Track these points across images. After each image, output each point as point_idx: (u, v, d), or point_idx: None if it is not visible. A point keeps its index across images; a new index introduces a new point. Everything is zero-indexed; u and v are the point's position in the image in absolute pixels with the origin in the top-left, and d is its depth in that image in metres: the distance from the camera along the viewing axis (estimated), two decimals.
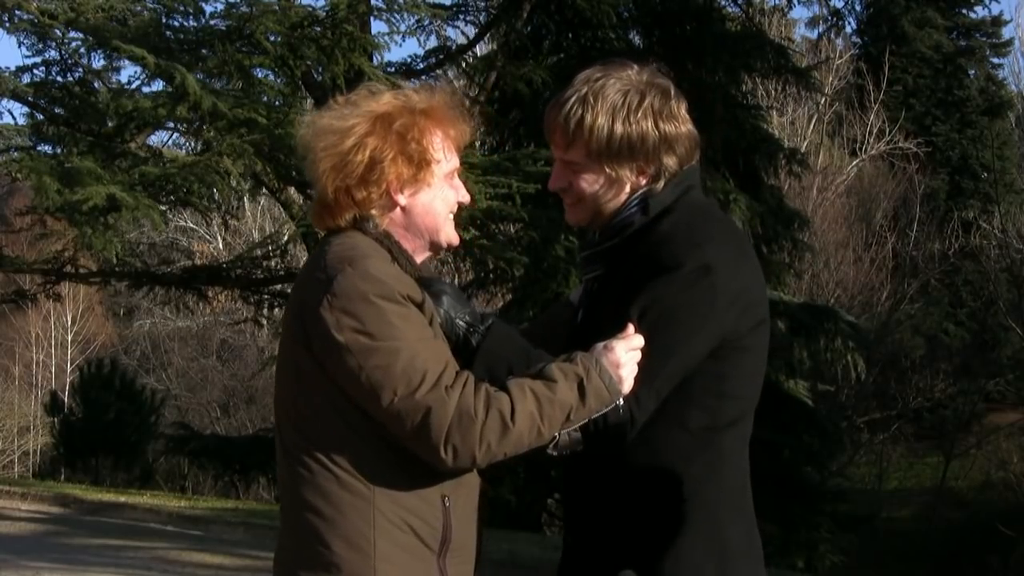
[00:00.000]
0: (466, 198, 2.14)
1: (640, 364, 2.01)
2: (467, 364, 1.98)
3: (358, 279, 1.91)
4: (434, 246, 2.12)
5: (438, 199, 2.08)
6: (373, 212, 2.04)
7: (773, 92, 21.05)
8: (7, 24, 9.23)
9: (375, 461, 1.93)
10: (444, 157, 2.08)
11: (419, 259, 2.10)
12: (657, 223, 2.11)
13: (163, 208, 9.51)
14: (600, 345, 1.99)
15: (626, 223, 2.14)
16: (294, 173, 8.99)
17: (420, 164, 2.03)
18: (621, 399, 1.98)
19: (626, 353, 1.99)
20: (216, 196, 10.01)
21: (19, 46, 9.80)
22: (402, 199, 2.05)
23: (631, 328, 2.01)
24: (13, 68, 9.58)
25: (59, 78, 9.90)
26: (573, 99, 2.09)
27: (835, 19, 12.74)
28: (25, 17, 9.09)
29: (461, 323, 2.01)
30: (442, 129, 2.08)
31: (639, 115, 2.09)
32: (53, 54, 9.77)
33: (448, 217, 2.11)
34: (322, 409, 1.95)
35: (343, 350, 1.89)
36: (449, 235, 2.12)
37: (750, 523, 2.18)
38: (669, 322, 2.02)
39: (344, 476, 1.93)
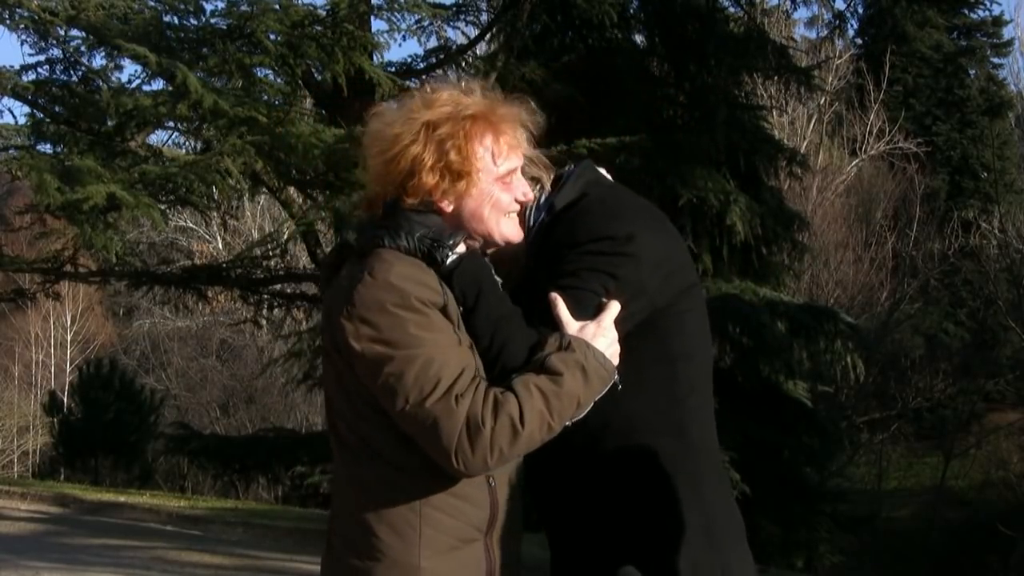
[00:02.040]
0: (527, 196, 2.13)
1: None
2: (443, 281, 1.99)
3: (376, 288, 1.94)
4: (490, 244, 2.12)
5: (486, 205, 2.08)
6: (429, 209, 2.05)
7: (773, 92, 21.01)
8: (8, 21, 9.21)
9: (422, 451, 1.95)
10: (492, 162, 2.07)
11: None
12: (567, 212, 2.15)
13: (163, 207, 9.49)
14: (587, 324, 2.01)
15: (538, 223, 2.18)
16: (294, 172, 8.98)
17: (458, 175, 2.03)
18: (616, 374, 2.01)
19: (610, 327, 2.02)
20: (216, 196, 9.99)
21: (21, 44, 9.77)
22: (446, 205, 2.06)
23: (612, 303, 2.04)
24: (16, 67, 9.56)
25: (61, 77, 9.89)
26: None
27: (837, 21, 12.72)
28: (25, 14, 9.07)
29: (427, 239, 2.00)
30: (494, 132, 2.07)
31: None
32: (55, 52, 9.76)
33: (501, 219, 2.10)
34: (363, 408, 1.99)
35: (361, 358, 1.94)
36: (506, 234, 2.11)
37: (728, 491, 2.21)
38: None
39: (395, 470, 1.98)
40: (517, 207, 2.13)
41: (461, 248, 2.02)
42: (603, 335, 2.02)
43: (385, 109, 2.11)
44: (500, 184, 2.09)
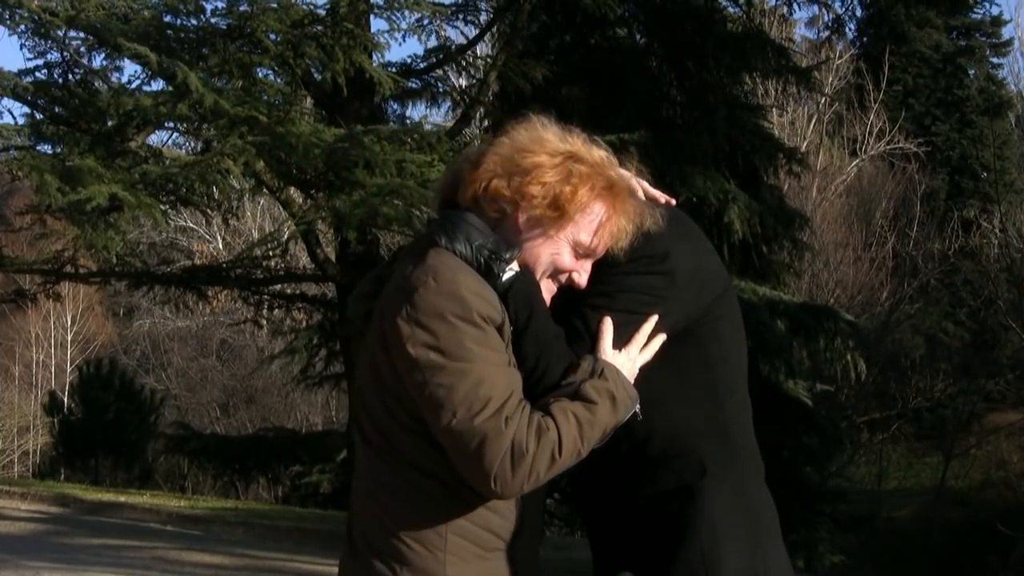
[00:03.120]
0: (579, 283, 2.07)
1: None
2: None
3: (439, 296, 1.91)
4: None
5: (548, 253, 2.03)
6: (490, 207, 2.01)
7: (773, 92, 21.02)
8: (8, 21, 9.20)
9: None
10: (587, 227, 2.02)
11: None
12: None
13: (164, 207, 9.49)
14: (618, 353, 2.03)
15: None
16: (294, 172, 8.97)
17: (557, 210, 1.99)
18: (638, 405, 2.02)
19: (638, 355, 2.05)
20: (216, 195, 9.99)
21: (21, 48, 9.76)
22: (521, 217, 2.00)
23: (642, 330, 2.06)
24: (16, 71, 9.55)
25: (61, 78, 9.88)
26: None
27: (836, 24, 12.74)
28: (26, 14, 9.06)
29: (485, 249, 1.98)
30: (608, 207, 2.02)
31: None
32: (55, 55, 9.76)
33: (544, 274, 2.04)
34: (399, 411, 1.96)
35: (413, 363, 1.90)
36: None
37: (766, 488, 2.23)
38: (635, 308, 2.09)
39: (423, 476, 1.96)
40: (562, 278, 2.07)
41: (515, 265, 2.00)
42: (631, 363, 2.03)
43: (548, 128, 2.04)
44: (572, 246, 2.04)
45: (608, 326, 2.04)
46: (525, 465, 1.87)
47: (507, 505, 2.00)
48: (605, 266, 2.08)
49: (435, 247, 1.97)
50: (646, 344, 2.07)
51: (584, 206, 2.00)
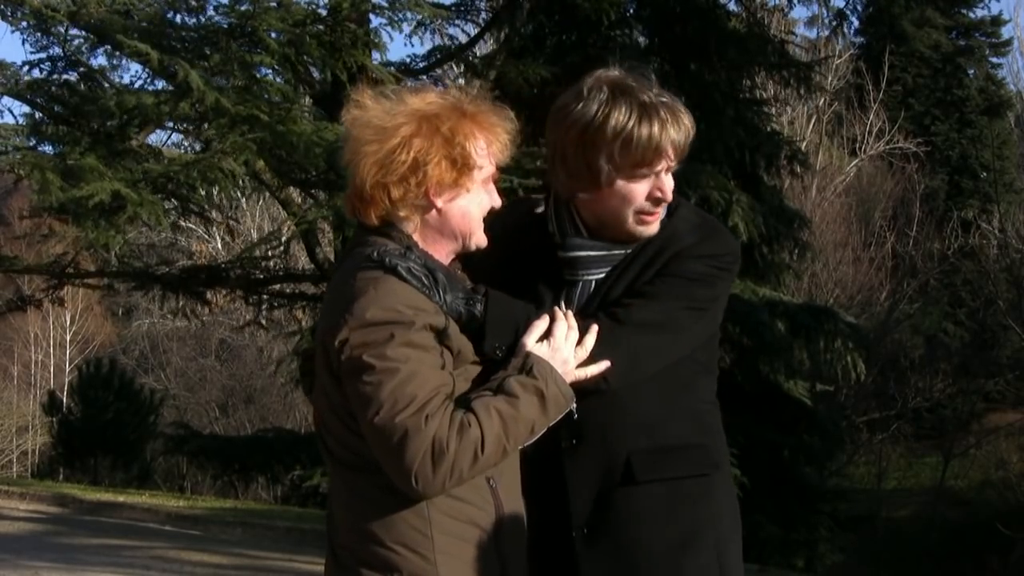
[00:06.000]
0: (498, 203, 2.14)
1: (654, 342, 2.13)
2: (479, 336, 2.03)
3: (375, 304, 1.93)
4: (464, 248, 2.13)
5: (474, 204, 2.09)
6: (403, 213, 2.04)
7: (773, 91, 21.00)
8: (10, 17, 9.18)
9: None
10: (485, 162, 2.08)
11: (447, 261, 2.11)
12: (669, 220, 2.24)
13: (168, 208, 9.47)
14: (547, 347, 2.03)
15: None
16: (297, 172, 8.96)
17: (462, 169, 2.04)
18: (574, 404, 2.03)
19: (572, 351, 2.05)
20: (217, 195, 9.97)
21: (23, 44, 9.74)
22: (439, 202, 2.05)
23: (592, 329, 2.10)
24: (19, 62, 9.54)
25: (61, 76, 9.86)
26: (687, 115, 2.19)
27: (838, 20, 12.71)
28: (27, 11, 9.03)
29: (459, 301, 2.02)
30: (485, 135, 2.07)
31: None
32: (56, 51, 9.73)
33: (481, 222, 2.11)
34: (352, 422, 1.98)
35: (348, 368, 1.93)
36: (480, 239, 2.12)
37: None
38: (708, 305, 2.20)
39: (392, 482, 1.96)
40: (494, 210, 2.13)
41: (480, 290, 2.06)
42: (563, 361, 2.04)
43: (368, 98, 2.05)
44: (484, 186, 2.11)
45: (542, 321, 2.06)
46: (446, 463, 1.88)
47: (481, 497, 2.01)
48: (688, 254, 2.17)
49: (377, 265, 1.98)
50: (579, 341, 2.07)
51: (478, 150, 2.05)
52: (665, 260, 2.16)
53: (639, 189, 2.15)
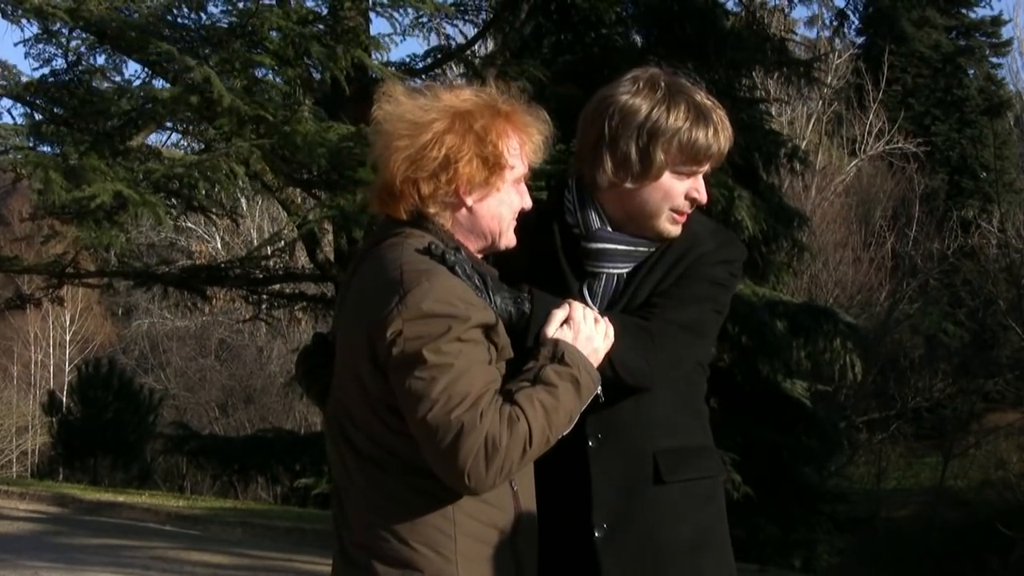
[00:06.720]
0: (528, 204, 2.13)
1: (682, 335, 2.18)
2: (523, 334, 2.05)
3: (429, 296, 1.90)
4: (493, 248, 2.12)
5: (505, 204, 2.08)
6: (433, 210, 2.03)
7: (773, 91, 21.01)
8: (11, 15, 9.16)
9: None
10: (517, 162, 2.07)
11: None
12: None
13: (169, 207, 9.46)
14: (570, 331, 2.04)
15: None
16: (299, 172, 8.95)
17: (494, 168, 2.02)
18: (599, 388, 2.03)
19: (592, 331, 2.06)
20: (217, 194, 9.97)
21: (25, 43, 9.69)
22: (469, 200, 2.04)
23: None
24: (22, 55, 9.54)
25: (62, 76, 9.85)
26: (726, 120, 2.22)
27: (838, 20, 12.70)
28: (28, 7, 9.01)
29: (507, 301, 2.05)
30: (519, 135, 2.06)
31: None
32: (56, 50, 9.73)
33: (512, 222, 2.10)
34: (392, 419, 1.95)
35: (399, 361, 1.90)
36: (509, 239, 2.12)
37: None
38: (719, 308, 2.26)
39: (427, 479, 1.94)
40: (523, 210, 2.12)
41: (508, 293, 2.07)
42: (582, 336, 2.05)
43: (401, 92, 2.04)
44: (516, 186, 2.10)
45: (561, 310, 2.07)
46: (499, 459, 1.87)
47: (506, 500, 2.00)
48: (709, 258, 2.23)
49: (430, 257, 1.97)
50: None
51: (510, 149, 2.04)
52: (689, 263, 2.21)
53: (681, 187, 2.21)
